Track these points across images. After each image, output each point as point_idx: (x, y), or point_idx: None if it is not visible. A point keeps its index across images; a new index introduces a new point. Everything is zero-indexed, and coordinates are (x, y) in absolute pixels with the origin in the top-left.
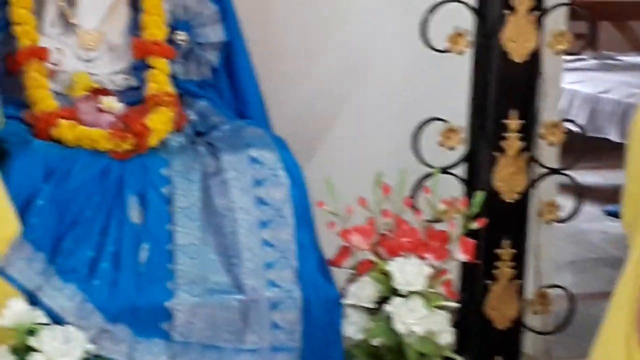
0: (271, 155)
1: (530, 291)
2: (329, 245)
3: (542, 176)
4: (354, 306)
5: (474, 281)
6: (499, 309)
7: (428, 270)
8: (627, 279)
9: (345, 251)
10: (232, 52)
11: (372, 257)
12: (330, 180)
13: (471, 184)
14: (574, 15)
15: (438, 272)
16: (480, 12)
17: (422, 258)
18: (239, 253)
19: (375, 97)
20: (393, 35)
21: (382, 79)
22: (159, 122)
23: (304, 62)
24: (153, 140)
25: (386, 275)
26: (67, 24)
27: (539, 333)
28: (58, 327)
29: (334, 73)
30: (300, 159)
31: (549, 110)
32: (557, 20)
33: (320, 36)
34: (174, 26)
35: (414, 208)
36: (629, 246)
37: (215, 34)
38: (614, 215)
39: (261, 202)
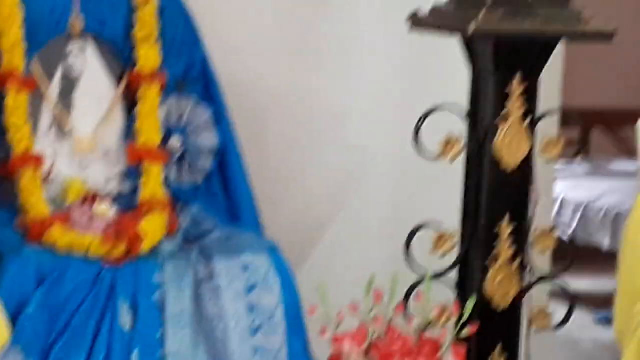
0: (263, 260)
1: None
2: (321, 352)
3: (534, 283)
4: None
5: None
6: None
7: None
8: None
9: (336, 358)
10: (225, 155)
11: None
12: (322, 285)
13: (463, 290)
14: (565, 122)
15: None
16: (472, 118)
17: None
18: None
19: (368, 202)
20: (387, 140)
21: (376, 183)
22: (153, 228)
23: (298, 167)
24: (146, 246)
25: None
26: (62, 130)
27: None
28: None
29: (328, 177)
30: (293, 263)
31: (540, 217)
32: (549, 126)
33: (315, 139)
34: (169, 131)
35: (406, 314)
36: (622, 354)
37: (209, 139)
38: (606, 322)
39: (253, 308)
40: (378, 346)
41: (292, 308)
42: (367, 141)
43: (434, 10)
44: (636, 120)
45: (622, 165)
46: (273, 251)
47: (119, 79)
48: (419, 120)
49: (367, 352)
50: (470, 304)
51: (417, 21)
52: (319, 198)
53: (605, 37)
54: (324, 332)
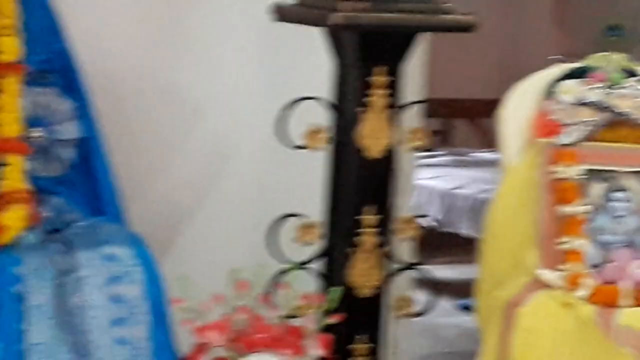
0: (126, 251)
1: None
2: (185, 342)
3: (397, 271)
4: None
5: None
6: None
7: None
8: None
9: (200, 348)
10: (88, 147)
11: (228, 354)
12: (186, 276)
13: (327, 279)
14: (428, 112)
15: None
16: (336, 109)
17: (278, 354)
18: (92, 352)
19: (232, 193)
20: (250, 131)
21: (239, 174)
22: (14, 219)
23: (161, 158)
24: (7, 238)
25: None
26: None
27: None
28: None
29: (191, 169)
30: (157, 254)
31: (403, 206)
32: (413, 116)
33: (178, 130)
34: (30, 122)
35: (270, 304)
36: (482, 340)
37: (71, 130)
38: (467, 309)
39: (116, 299)
40: (243, 336)
41: (156, 299)
42: (231, 132)
43: (298, 1)
44: (494, 111)
45: (484, 155)
46: (137, 242)
47: None
48: (283, 111)
49: (231, 341)
50: (334, 293)
51: (280, 12)
52: (182, 189)
53: (467, 28)
54: (187, 323)
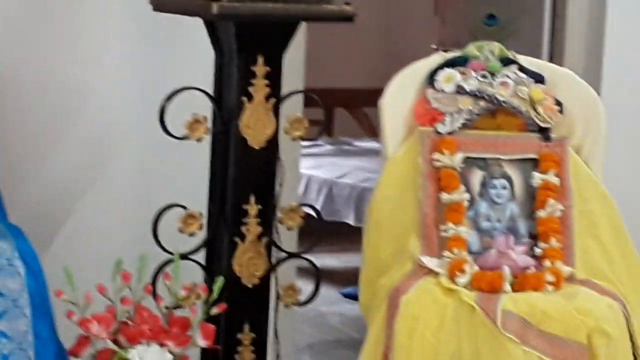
0: (6, 244)
1: None
2: (69, 335)
3: (281, 260)
4: None
5: None
6: None
7: (169, 357)
8: (365, 359)
9: (84, 340)
10: None
11: (112, 346)
12: (68, 268)
13: (211, 269)
14: (309, 102)
15: (179, 359)
16: (218, 99)
17: (163, 345)
18: None
19: (115, 184)
20: (133, 122)
21: (123, 165)
22: None
23: (42, 149)
24: None
25: None
26: None
27: None
28: None
29: (73, 160)
30: (38, 247)
31: (287, 195)
32: (294, 106)
33: (58, 120)
34: None
35: (155, 295)
36: (367, 327)
37: None
38: (352, 297)
39: None
40: (127, 327)
41: (37, 292)
42: (114, 122)
43: None
44: (376, 100)
45: (366, 143)
46: (16, 235)
47: None
48: (164, 101)
49: (115, 333)
50: (218, 283)
51: (159, 2)
52: (65, 181)
53: (346, 18)
54: (70, 315)
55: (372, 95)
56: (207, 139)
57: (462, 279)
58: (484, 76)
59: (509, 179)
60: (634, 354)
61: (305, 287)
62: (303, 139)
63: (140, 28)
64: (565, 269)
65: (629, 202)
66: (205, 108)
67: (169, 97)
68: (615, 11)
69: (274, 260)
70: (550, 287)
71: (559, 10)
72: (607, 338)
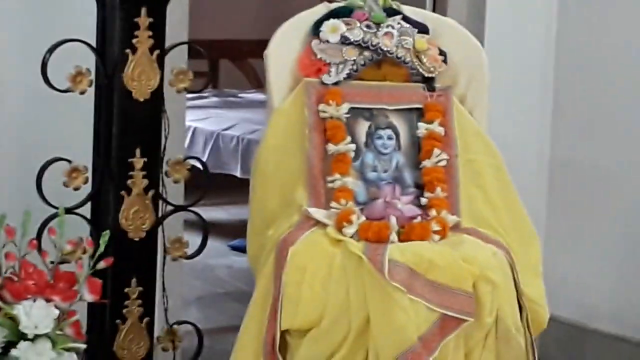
0: None
1: (159, 328)
2: None
3: (169, 214)
4: None
5: (103, 321)
6: (129, 348)
7: (55, 312)
8: (254, 311)
9: None
10: None
11: None
12: None
13: (97, 223)
14: (194, 54)
15: (66, 314)
16: (100, 51)
17: (49, 300)
18: None
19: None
20: (16, 75)
21: (4, 119)
22: None
23: None
24: None
25: (13, 319)
26: None
27: None
28: None
29: None
30: None
31: (173, 148)
32: (178, 58)
33: None
34: None
35: (40, 250)
36: (255, 279)
37: None
38: (239, 249)
39: None
40: (12, 282)
41: None
42: None
43: None
44: (261, 52)
45: (251, 95)
46: None
47: None
48: (46, 53)
49: (1, 288)
50: (104, 237)
51: None
52: None
53: None
54: None
55: (257, 47)
56: (91, 92)
57: (350, 230)
58: (368, 26)
59: (394, 129)
60: (518, 301)
61: (193, 240)
62: (188, 91)
63: None
64: (451, 218)
65: (512, 151)
66: (89, 61)
67: (51, 50)
68: None
69: (160, 214)
70: (436, 237)
71: None
72: (492, 286)
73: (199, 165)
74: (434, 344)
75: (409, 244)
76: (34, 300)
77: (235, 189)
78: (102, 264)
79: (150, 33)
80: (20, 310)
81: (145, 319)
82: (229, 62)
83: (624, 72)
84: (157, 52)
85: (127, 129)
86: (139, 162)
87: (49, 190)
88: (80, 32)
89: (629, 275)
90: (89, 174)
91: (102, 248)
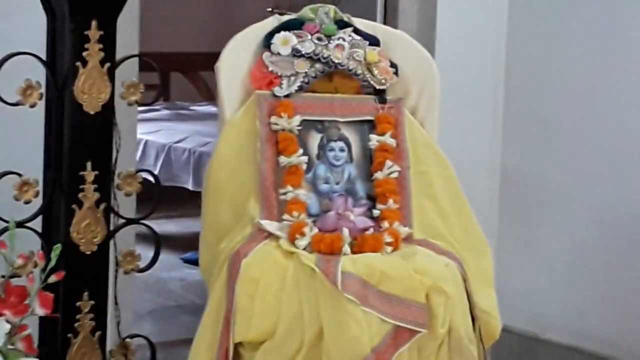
0: None
1: (112, 342)
2: None
3: (120, 227)
4: None
5: (55, 335)
6: None
7: (7, 327)
8: (207, 323)
9: None
10: None
11: None
12: None
13: (49, 237)
14: (145, 67)
15: (17, 328)
16: (51, 64)
17: (1, 315)
18: None
19: None
20: None
21: None
22: None
23: None
24: None
25: None
26: None
27: None
28: None
29: None
30: None
31: (125, 161)
32: (129, 71)
33: None
34: None
35: None
36: (208, 292)
37: None
38: (192, 262)
39: None
40: None
41: None
42: None
43: None
44: (213, 65)
45: (203, 108)
46: None
47: None
48: None
49: None
50: (56, 250)
51: None
52: None
53: None
54: None
55: (209, 59)
56: (42, 105)
57: (302, 242)
58: (319, 39)
59: (346, 141)
60: (471, 312)
61: (145, 253)
62: (139, 103)
63: None
64: (403, 230)
65: (463, 162)
66: (39, 74)
67: (0, 63)
68: None
69: (112, 227)
70: (389, 248)
71: None
72: (445, 297)
73: (150, 178)
74: (387, 356)
75: (361, 256)
76: None
77: (187, 201)
78: (53, 278)
79: (101, 46)
80: None
81: (98, 333)
82: (180, 74)
83: (573, 83)
84: (107, 64)
85: (78, 142)
86: (90, 175)
87: (0, 204)
88: (31, 45)
89: (580, 285)
90: (40, 188)
91: (53, 262)
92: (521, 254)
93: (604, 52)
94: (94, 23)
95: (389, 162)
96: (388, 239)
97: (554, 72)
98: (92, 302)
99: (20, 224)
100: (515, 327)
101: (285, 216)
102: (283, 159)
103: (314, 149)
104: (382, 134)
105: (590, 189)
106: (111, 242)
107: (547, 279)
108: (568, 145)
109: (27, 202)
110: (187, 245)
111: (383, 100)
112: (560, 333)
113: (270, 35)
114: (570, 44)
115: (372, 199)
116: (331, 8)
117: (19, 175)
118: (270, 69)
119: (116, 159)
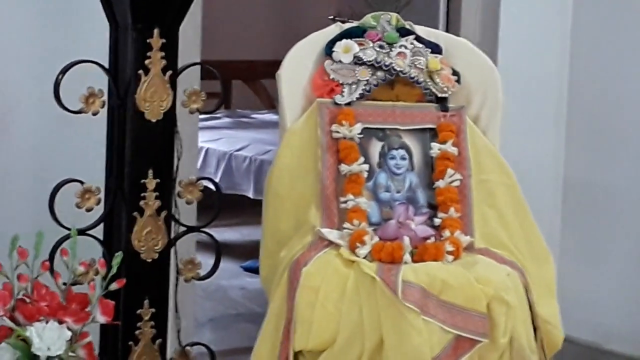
0: None
1: (172, 350)
2: None
3: (181, 235)
4: None
5: (115, 343)
6: None
7: (68, 334)
8: (267, 332)
9: None
10: None
11: (10, 324)
12: None
13: (110, 244)
14: (206, 75)
15: (78, 336)
16: (113, 72)
17: (62, 322)
18: None
19: (12, 159)
20: (29, 96)
21: (19, 140)
22: None
23: None
24: None
25: (25, 341)
26: None
27: None
28: None
29: None
30: None
31: (186, 169)
32: (191, 79)
33: None
34: None
35: (52, 271)
36: (268, 300)
37: None
38: (252, 270)
39: None
40: (25, 304)
41: None
42: (8, 97)
43: None
44: (274, 72)
45: (264, 116)
46: None
47: None
48: (59, 74)
49: (13, 310)
50: (117, 258)
51: None
52: None
53: None
54: None
55: (270, 67)
56: (104, 113)
57: (363, 250)
58: (381, 46)
59: (407, 150)
60: (532, 322)
61: (206, 261)
62: (201, 111)
63: (35, 1)
64: (465, 239)
65: (526, 170)
66: (102, 82)
67: (64, 71)
68: None
69: (173, 235)
70: (450, 257)
71: None
72: (506, 306)
73: (211, 186)
74: None
75: (422, 265)
76: (47, 322)
77: (247, 209)
78: (114, 286)
79: (163, 54)
80: (33, 332)
81: (158, 341)
82: (242, 82)
83: (637, 92)
84: (169, 73)
85: (140, 150)
86: (151, 183)
87: (62, 212)
88: (93, 53)
89: None
90: (102, 195)
91: (114, 269)
92: (584, 264)
93: None
94: (156, 31)
95: (450, 171)
96: (449, 247)
97: (618, 80)
98: (153, 310)
99: (81, 232)
100: (577, 338)
101: (346, 224)
102: (344, 167)
103: (375, 157)
104: (444, 142)
105: None
106: (172, 250)
107: (610, 289)
108: (632, 154)
109: (88, 210)
110: (247, 253)
111: (445, 109)
112: (624, 344)
113: (332, 43)
114: (634, 53)
115: (434, 208)
116: (393, 16)
117: (81, 182)
118: (331, 76)
119: (177, 166)
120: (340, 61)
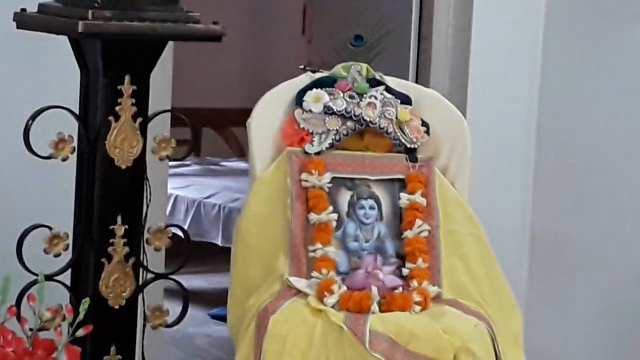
0: None
1: None
2: None
3: (149, 281)
4: None
5: None
6: None
7: None
8: None
9: None
10: None
11: None
12: None
13: (77, 290)
14: (176, 122)
15: None
16: (83, 118)
17: None
18: None
19: None
20: None
21: None
22: None
23: None
24: None
25: None
26: None
27: None
28: None
29: None
30: None
31: (155, 216)
32: (161, 126)
33: None
34: None
35: (19, 317)
36: (235, 349)
37: None
38: (220, 318)
39: None
40: None
41: None
42: None
43: (42, 8)
44: (244, 120)
45: (233, 163)
46: None
47: None
48: (29, 120)
49: None
50: (84, 304)
51: (23, 20)
52: None
53: (214, 38)
54: None
55: (240, 115)
56: (73, 159)
57: (331, 300)
58: (351, 97)
59: (376, 199)
60: None
61: (173, 308)
62: (170, 158)
63: (5, 45)
64: (432, 289)
65: (494, 221)
66: (72, 127)
67: (34, 116)
68: (480, 33)
69: (141, 281)
70: (417, 307)
71: (424, 32)
72: (473, 357)
73: (180, 233)
74: None
75: (390, 315)
76: None
77: (216, 257)
78: (81, 332)
79: (134, 100)
80: None
81: None
82: (212, 130)
83: (605, 145)
84: (140, 119)
85: (109, 196)
86: (120, 229)
87: (29, 257)
88: (65, 99)
89: (610, 347)
90: (70, 241)
91: (81, 315)
92: (551, 315)
93: (637, 111)
94: (127, 78)
95: (419, 221)
96: (417, 298)
97: (586, 132)
98: (119, 357)
99: (49, 277)
100: None
101: (314, 273)
102: (313, 216)
103: (344, 207)
104: (413, 193)
105: (621, 251)
106: (139, 297)
107: (577, 341)
108: (599, 206)
109: (56, 256)
110: (215, 301)
111: (414, 159)
112: None
113: (302, 92)
114: (602, 105)
115: (402, 258)
116: (363, 66)
117: (50, 228)
118: (301, 125)
119: (146, 213)
120: (310, 110)
